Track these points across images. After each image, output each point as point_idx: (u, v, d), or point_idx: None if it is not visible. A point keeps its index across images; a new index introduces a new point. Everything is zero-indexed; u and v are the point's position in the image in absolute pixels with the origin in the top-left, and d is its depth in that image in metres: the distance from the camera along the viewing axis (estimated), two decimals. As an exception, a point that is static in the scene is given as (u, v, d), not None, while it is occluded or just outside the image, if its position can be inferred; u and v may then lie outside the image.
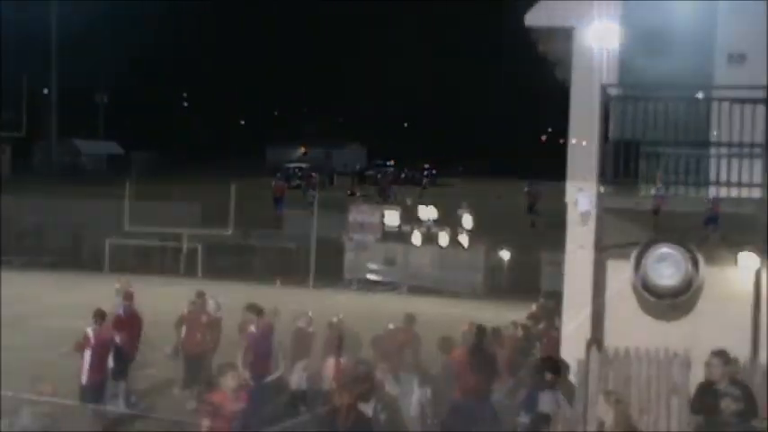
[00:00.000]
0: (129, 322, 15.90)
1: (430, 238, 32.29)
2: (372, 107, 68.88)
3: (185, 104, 75.76)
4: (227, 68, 72.46)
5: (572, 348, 11.34)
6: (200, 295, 16.93)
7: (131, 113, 69.07)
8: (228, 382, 9.94)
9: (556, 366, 11.20)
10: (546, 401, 10.32)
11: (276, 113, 70.63)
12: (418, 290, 31.67)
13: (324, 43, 74.53)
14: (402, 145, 60.01)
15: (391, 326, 16.00)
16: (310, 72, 72.55)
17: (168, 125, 69.72)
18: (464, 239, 32.02)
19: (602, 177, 11.07)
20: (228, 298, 18.85)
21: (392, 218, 33.97)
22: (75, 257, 35.22)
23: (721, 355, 9.71)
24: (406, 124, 69.78)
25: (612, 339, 11.15)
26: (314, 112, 63.46)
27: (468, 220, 32.15)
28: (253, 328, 14.56)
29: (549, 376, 10.89)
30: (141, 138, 66.44)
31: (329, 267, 33.56)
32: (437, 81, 68.57)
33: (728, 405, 9.44)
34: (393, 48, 70.69)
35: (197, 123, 67.11)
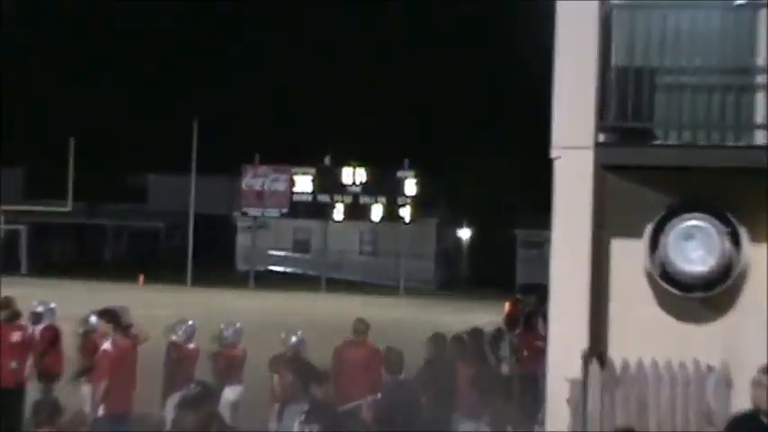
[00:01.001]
0: None
1: (358, 211, 32.37)
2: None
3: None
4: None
5: (562, 362, 11.35)
6: (8, 302, 16.61)
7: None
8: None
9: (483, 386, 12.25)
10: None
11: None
12: (342, 286, 31.73)
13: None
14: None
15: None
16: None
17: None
18: (406, 212, 32.15)
19: (603, 121, 11.03)
20: (69, 302, 18.57)
21: (304, 184, 33.92)
22: None
23: None
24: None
25: (620, 350, 11.17)
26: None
27: (411, 186, 32.27)
28: (108, 346, 14.47)
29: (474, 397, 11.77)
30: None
31: (215, 256, 33.43)
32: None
33: None
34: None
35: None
